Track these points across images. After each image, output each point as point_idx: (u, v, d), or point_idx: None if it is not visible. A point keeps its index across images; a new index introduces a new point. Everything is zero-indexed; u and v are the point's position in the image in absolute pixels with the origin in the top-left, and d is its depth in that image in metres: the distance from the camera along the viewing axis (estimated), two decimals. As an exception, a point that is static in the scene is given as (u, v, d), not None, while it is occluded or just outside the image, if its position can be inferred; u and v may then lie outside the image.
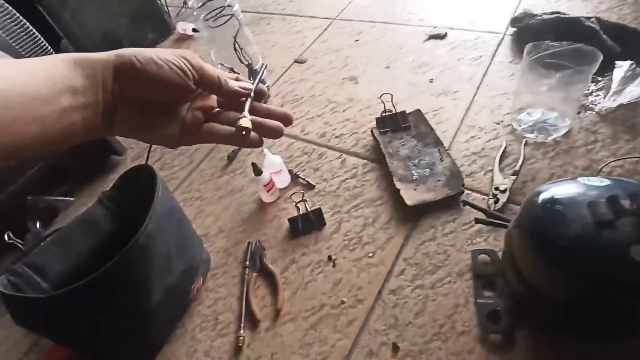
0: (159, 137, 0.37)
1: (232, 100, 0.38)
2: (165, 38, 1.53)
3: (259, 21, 1.45)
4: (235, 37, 0.96)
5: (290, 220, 0.76)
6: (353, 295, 0.66)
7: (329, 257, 0.72)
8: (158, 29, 1.50)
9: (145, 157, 0.69)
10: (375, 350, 0.60)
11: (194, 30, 1.47)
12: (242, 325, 0.67)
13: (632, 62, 0.85)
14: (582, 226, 0.40)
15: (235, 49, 0.98)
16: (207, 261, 0.76)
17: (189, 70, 0.34)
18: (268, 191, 0.81)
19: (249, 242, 0.77)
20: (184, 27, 1.49)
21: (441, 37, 1.11)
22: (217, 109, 0.39)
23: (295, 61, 1.21)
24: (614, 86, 0.83)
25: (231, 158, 0.97)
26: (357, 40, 1.21)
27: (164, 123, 0.36)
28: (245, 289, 0.71)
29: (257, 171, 0.78)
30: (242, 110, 0.37)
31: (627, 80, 0.83)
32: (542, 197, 0.45)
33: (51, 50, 0.89)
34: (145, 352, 0.66)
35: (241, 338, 0.65)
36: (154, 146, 1.08)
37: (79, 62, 0.32)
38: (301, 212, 0.77)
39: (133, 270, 0.56)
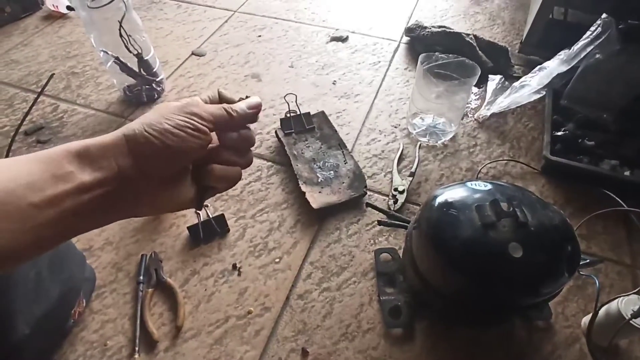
0: (181, 204, 0.34)
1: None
2: (29, 13, 1.30)
3: (149, 5, 1.32)
4: (120, 22, 0.85)
5: (189, 228, 0.70)
6: (260, 304, 0.64)
7: (234, 266, 0.68)
8: (19, 0, 1.26)
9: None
10: (285, 358, 0.59)
11: (68, 8, 1.27)
12: (137, 348, 0.60)
13: (501, 76, 0.98)
14: (471, 228, 0.44)
15: (121, 35, 0.87)
16: (90, 279, 0.66)
17: (204, 127, 0.32)
18: (164, 196, 0.74)
19: (142, 255, 0.69)
20: (55, 2, 1.28)
21: (343, 39, 1.14)
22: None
23: (193, 53, 1.13)
24: (488, 97, 0.95)
25: (119, 158, 0.86)
26: (259, 36, 1.18)
27: (181, 189, 0.34)
28: (139, 308, 0.63)
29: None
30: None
31: (497, 92, 0.95)
32: (438, 201, 0.48)
33: None
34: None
35: (135, 363, 0.58)
36: (17, 143, 0.90)
37: (86, 154, 0.28)
38: (202, 219, 0.72)
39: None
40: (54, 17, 1.29)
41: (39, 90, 0.59)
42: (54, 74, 0.61)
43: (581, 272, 0.59)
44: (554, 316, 0.61)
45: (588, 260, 0.57)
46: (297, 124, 0.86)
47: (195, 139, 0.31)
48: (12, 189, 0.25)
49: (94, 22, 0.87)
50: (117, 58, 0.90)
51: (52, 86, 1.05)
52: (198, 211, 0.49)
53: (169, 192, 0.33)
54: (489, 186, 0.49)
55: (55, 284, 0.55)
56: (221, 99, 0.37)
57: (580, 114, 0.84)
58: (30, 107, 0.58)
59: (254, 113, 0.37)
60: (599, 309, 0.54)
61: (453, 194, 0.49)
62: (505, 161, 0.83)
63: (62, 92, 1.03)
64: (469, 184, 0.50)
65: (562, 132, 0.81)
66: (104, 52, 0.90)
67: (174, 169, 0.32)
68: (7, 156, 0.58)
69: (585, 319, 0.60)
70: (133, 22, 0.89)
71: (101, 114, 0.97)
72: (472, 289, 0.46)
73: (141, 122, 0.30)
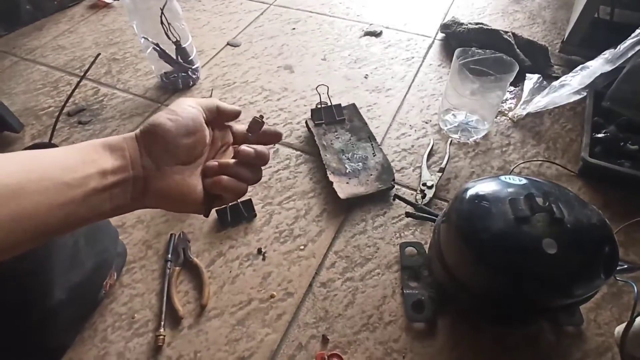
0: (190, 205, 0.38)
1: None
2: (76, 2, 1.36)
3: (189, -3, 1.35)
4: (162, 9, 0.88)
5: (218, 211, 0.72)
6: (283, 289, 0.65)
7: (259, 250, 0.69)
8: (68, -9, 1.32)
9: (49, 135, 0.60)
10: (305, 344, 0.59)
11: (113, -3, 1.32)
12: (163, 323, 0.62)
13: (539, 75, 0.95)
14: (504, 221, 0.43)
15: (162, 22, 0.90)
16: (122, 254, 0.68)
17: (205, 110, 0.39)
18: (195, 179, 0.75)
19: (171, 234, 0.71)
20: (100, -8, 1.33)
21: (377, 34, 1.14)
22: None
23: (228, 44, 1.15)
24: (524, 96, 0.92)
25: (153, 142, 0.89)
26: (294, 29, 1.19)
27: (190, 189, 0.37)
28: (166, 284, 0.65)
29: (184, 157, 0.72)
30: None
31: (535, 91, 0.92)
32: (469, 193, 0.47)
33: None
34: (46, 357, 0.58)
35: (161, 337, 0.60)
36: (60, 123, 0.95)
37: (108, 145, 0.34)
38: (230, 203, 0.73)
39: (28, 263, 0.48)
40: (98, 6, 1.35)
41: (83, 72, 0.61)
42: (100, 53, 0.63)
43: (618, 278, 0.56)
44: (586, 323, 0.58)
45: (626, 266, 0.55)
46: (328, 115, 0.86)
47: (202, 123, 0.38)
48: (50, 169, 0.30)
49: (137, 10, 0.90)
50: (156, 45, 0.94)
51: (94, 71, 1.09)
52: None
53: (178, 189, 0.36)
54: (524, 181, 0.47)
55: (90, 255, 0.58)
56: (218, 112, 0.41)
57: (624, 116, 0.80)
58: (75, 87, 0.61)
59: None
60: (635, 317, 0.51)
61: (485, 186, 0.48)
62: (540, 162, 0.80)
63: (103, 77, 1.08)
64: (502, 177, 0.48)
65: (603, 134, 0.78)
66: (145, 38, 0.94)
67: (176, 152, 0.36)
68: (52, 134, 0.61)
69: (619, 328, 0.57)
70: (174, 11, 0.92)
71: (138, 99, 1.01)
72: (501, 284, 0.45)
73: (162, 114, 0.36)
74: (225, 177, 0.38)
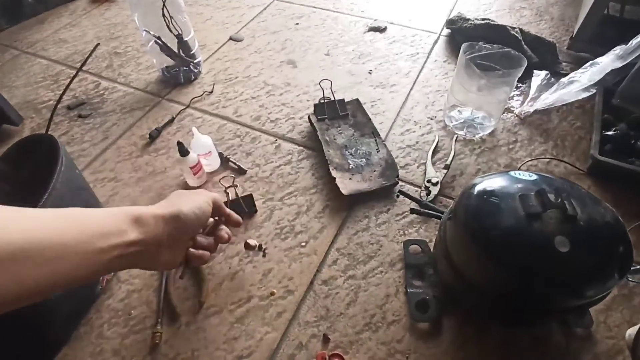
0: (173, 265, 0.49)
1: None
2: (79, -4, 1.35)
3: (191, -9, 1.34)
4: (164, 2, 0.86)
5: (219, 206, 0.70)
6: (283, 286, 0.63)
7: (259, 246, 0.68)
8: (71, -16, 1.31)
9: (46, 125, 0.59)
10: (305, 343, 0.57)
11: (115, -10, 1.31)
12: (160, 319, 0.60)
13: (547, 72, 0.93)
14: (514, 218, 0.41)
15: (163, 15, 0.88)
16: (120, 249, 0.67)
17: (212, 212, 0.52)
18: (195, 174, 0.74)
19: (170, 229, 0.70)
20: (103, -14, 1.32)
21: (381, 30, 1.12)
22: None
23: (231, 38, 1.14)
24: (532, 93, 0.91)
25: (154, 136, 0.87)
26: (297, 24, 1.17)
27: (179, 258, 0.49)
28: (164, 280, 0.64)
29: (184, 151, 0.71)
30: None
31: (542, 88, 0.90)
32: (477, 188, 0.46)
33: None
34: (41, 354, 0.56)
35: (157, 334, 0.58)
36: (57, 116, 0.94)
37: (139, 219, 0.40)
38: (231, 198, 0.71)
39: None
40: (100, 0, 1.34)
41: (81, 63, 0.60)
42: (98, 44, 0.62)
43: (630, 279, 0.55)
44: (595, 325, 0.56)
45: (638, 267, 0.53)
46: (331, 110, 0.85)
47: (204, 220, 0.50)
48: (92, 235, 0.35)
49: (139, 3, 0.89)
50: (158, 38, 0.92)
51: (95, 64, 1.08)
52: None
53: (174, 258, 0.47)
54: (535, 176, 0.46)
55: (86, 248, 0.57)
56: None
57: (634, 113, 0.78)
58: (72, 79, 0.59)
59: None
60: (648, 320, 0.50)
61: (494, 182, 0.46)
62: (548, 159, 0.78)
63: (104, 71, 1.06)
64: (512, 173, 0.46)
65: (613, 132, 0.76)
66: (146, 31, 0.92)
67: (187, 238, 0.49)
68: (48, 126, 0.59)
69: (631, 331, 0.55)
70: (176, 4, 0.90)
71: (139, 93, 0.99)
72: (511, 283, 0.43)
73: (180, 202, 0.47)
74: (191, 250, 0.50)
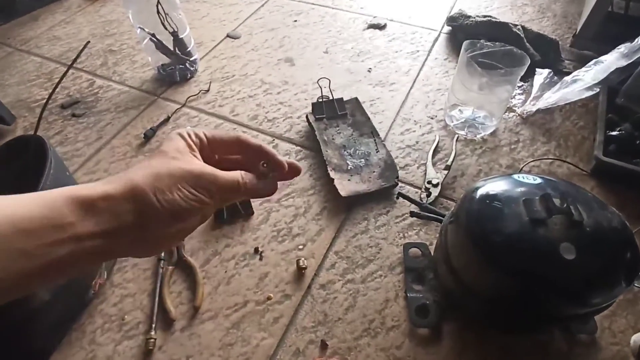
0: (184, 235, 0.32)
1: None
2: (72, -8, 1.32)
3: (188, -13, 1.32)
4: (158, -1, 0.85)
5: (214, 208, 0.69)
6: (280, 291, 0.62)
7: (256, 249, 0.66)
8: (64, -21, 1.29)
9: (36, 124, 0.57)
10: (302, 349, 0.56)
11: (110, -13, 1.28)
12: (154, 325, 0.59)
13: (550, 70, 0.91)
14: (517, 223, 0.40)
15: (158, 11, 0.86)
16: (113, 252, 0.65)
17: (210, 201, 0.31)
18: (190, 175, 0.72)
19: (165, 231, 0.68)
20: (97, -18, 1.30)
21: (381, 27, 1.10)
22: None
23: (228, 36, 1.12)
24: (534, 91, 0.89)
25: (149, 136, 0.86)
26: (295, 21, 1.15)
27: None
28: (158, 284, 0.62)
29: (179, 152, 0.69)
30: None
31: (545, 87, 0.89)
32: (479, 192, 0.44)
33: None
34: (28, 361, 0.55)
35: (151, 340, 0.57)
36: (51, 115, 0.92)
37: (90, 207, 0.27)
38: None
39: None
40: (94, -4, 1.32)
41: (72, 61, 0.58)
42: (89, 41, 0.60)
43: (636, 285, 0.53)
44: (599, 331, 0.55)
45: (644, 272, 0.51)
46: (329, 109, 0.83)
47: (199, 209, 0.30)
48: (5, 232, 0.24)
49: (132, -1, 0.87)
50: (153, 35, 0.90)
51: (90, 62, 1.06)
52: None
53: (161, 241, 0.31)
54: (539, 180, 0.44)
55: (77, 253, 0.55)
56: (243, 145, 0.35)
57: (639, 113, 0.76)
58: (62, 76, 0.57)
59: (259, 191, 0.34)
60: (654, 326, 0.48)
61: (497, 185, 0.44)
62: (551, 160, 0.77)
63: (99, 69, 1.05)
64: (515, 176, 0.45)
65: (618, 132, 0.74)
66: (141, 28, 0.90)
67: (172, 229, 0.30)
68: (37, 126, 0.57)
69: (636, 337, 0.54)
70: (171, 0, 0.88)
71: (135, 91, 0.98)
72: (514, 291, 0.42)
73: (153, 185, 0.28)
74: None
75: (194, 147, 0.32)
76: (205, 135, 0.33)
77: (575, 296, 0.39)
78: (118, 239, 0.28)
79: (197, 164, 0.31)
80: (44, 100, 0.96)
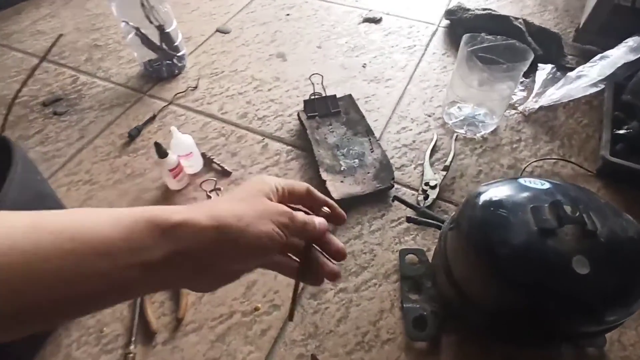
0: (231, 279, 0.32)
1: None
2: (57, -15, 1.27)
3: (177, -20, 1.27)
4: (142, -10, 0.80)
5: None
6: (268, 300, 0.58)
7: (244, 256, 0.62)
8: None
9: (18, 127, 0.53)
10: (292, 364, 0.52)
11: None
12: (133, 338, 0.55)
13: (553, 65, 0.87)
14: (525, 233, 0.36)
15: (142, 4, 0.82)
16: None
17: (289, 235, 0.31)
18: (175, 177, 0.69)
19: (147, 237, 0.64)
20: (83, -25, 1.24)
21: (376, 21, 1.06)
22: None
23: (218, 30, 1.07)
24: (536, 88, 0.85)
25: (134, 135, 0.82)
26: (288, 15, 1.11)
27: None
28: (139, 294, 0.59)
29: (162, 153, 0.65)
30: None
31: (548, 83, 0.85)
32: (482, 198, 0.40)
33: None
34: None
35: (130, 355, 0.53)
36: (31, 113, 0.87)
37: (164, 230, 0.26)
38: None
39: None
40: (79, -12, 1.27)
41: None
42: (61, 34, 0.56)
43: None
44: (608, 344, 0.52)
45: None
46: (322, 107, 0.79)
47: (272, 249, 0.30)
48: (84, 252, 0.24)
49: (114, -10, 0.82)
50: (137, 29, 0.86)
51: (74, 58, 1.02)
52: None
53: (225, 279, 0.31)
54: (547, 185, 0.40)
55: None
56: (307, 197, 0.35)
57: (647, 111, 0.73)
58: (33, 70, 0.53)
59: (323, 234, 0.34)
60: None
61: (502, 191, 0.41)
62: (554, 160, 0.73)
63: (83, 65, 1.00)
64: (521, 180, 0.41)
65: (625, 131, 0.71)
66: (125, 22, 0.86)
67: (238, 266, 0.31)
68: (3, 125, 0.53)
69: (647, 350, 0.51)
70: (155, -8, 0.84)
71: (120, 88, 0.93)
72: (521, 307, 0.38)
73: (236, 217, 0.28)
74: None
75: (271, 195, 0.32)
76: (282, 186, 0.33)
77: (589, 314, 0.36)
78: (185, 266, 0.28)
79: (276, 204, 0.32)
80: (24, 98, 0.92)
